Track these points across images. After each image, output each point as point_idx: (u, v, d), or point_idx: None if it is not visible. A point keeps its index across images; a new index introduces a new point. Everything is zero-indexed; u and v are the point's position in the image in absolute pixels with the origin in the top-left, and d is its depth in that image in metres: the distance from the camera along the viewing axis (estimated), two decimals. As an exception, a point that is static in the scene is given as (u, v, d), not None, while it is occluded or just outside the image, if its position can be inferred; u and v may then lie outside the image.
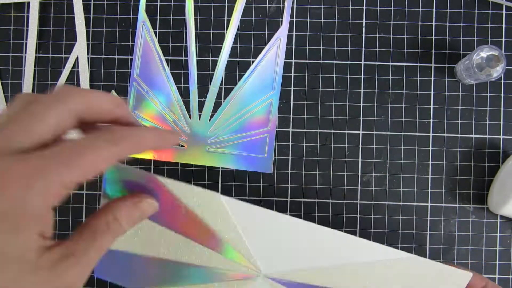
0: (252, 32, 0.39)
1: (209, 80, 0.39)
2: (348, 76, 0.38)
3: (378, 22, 0.39)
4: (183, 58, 0.39)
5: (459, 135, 0.38)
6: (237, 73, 0.39)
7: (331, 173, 0.38)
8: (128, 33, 0.39)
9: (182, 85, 0.39)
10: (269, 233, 0.30)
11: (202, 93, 0.39)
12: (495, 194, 0.36)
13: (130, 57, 0.39)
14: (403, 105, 0.38)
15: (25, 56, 0.39)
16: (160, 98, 0.39)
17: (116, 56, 0.39)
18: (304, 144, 0.39)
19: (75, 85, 0.39)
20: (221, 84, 0.39)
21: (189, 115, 0.39)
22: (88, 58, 0.39)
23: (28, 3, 0.39)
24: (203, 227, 0.31)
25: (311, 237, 0.30)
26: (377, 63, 0.38)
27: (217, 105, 0.38)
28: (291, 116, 0.39)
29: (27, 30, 0.39)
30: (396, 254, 0.28)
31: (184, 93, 0.39)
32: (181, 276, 0.32)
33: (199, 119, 0.38)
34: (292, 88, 0.39)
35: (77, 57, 0.39)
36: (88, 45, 0.39)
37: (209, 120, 0.38)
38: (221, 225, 0.30)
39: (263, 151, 0.38)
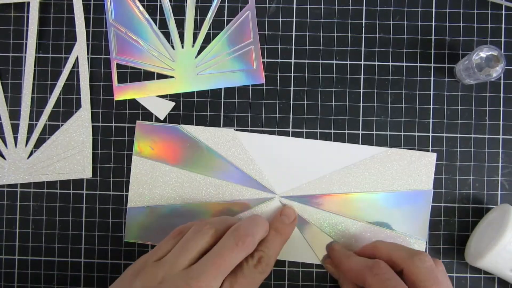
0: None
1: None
2: (348, 76, 0.39)
3: (377, 22, 0.39)
4: None
5: (458, 135, 0.38)
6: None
7: (331, 173, 0.38)
8: (128, 33, 0.39)
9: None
10: (277, 157, 0.38)
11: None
12: (473, 247, 0.36)
13: (130, 57, 0.39)
14: (403, 105, 0.38)
15: (25, 56, 0.39)
16: (140, 36, 0.39)
17: (116, 56, 0.39)
18: (304, 144, 0.39)
19: (74, 87, 0.39)
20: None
21: (172, 46, 0.39)
22: (88, 58, 0.39)
23: (28, 3, 0.39)
24: (224, 163, 0.38)
25: (310, 151, 0.38)
26: (376, 63, 0.39)
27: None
28: (291, 116, 0.39)
29: (27, 30, 0.39)
30: (377, 149, 0.38)
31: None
32: (206, 216, 0.38)
33: (182, 47, 0.39)
34: (292, 88, 0.39)
35: (77, 57, 0.39)
36: (88, 45, 0.39)
37: (192, 46, 0.38)
38: (239, 158, 0.38)
39: (252, 63, 0.38)
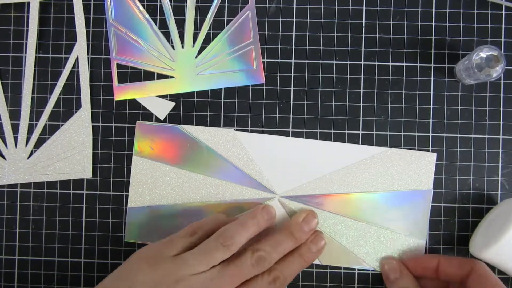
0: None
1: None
2: (348, 76, 0.39)
3: (377, 22, 0.39)
4: None
5: (458, 135, 0.38)
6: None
7: (331, 173, 0.38)
8: (128, 33, 0.39)
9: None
10: (277, 157, 0.38)
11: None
12: (478, 238, 0.36)
13: (130, 57, 0.39)
14: (403, 105, 0.38)
15: (25, 56, 0.39)
16: (140, 36, 0.39)
17: (116, 56, 0.39)
18: (304, 144, 0.39)
19: (74, 87, 0.39)
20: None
21: (172, 46, 0.39)
22: (88, 58, 0.39)
23: (28, 3, 0.39)
24: (224, 163, 0.38)
25: (310, 151, 0.38)
26: (376, 63, 0.39)
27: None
28: (291, 116, 0.39)
29: (27, 30, 0.39)
30: (377, 149, 0.38)
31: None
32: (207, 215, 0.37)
33: (182, 47, 0.39)
34: (292, 88, 0.39)
35: (77, 57, 0.39)
36: (88, 45, 0.39)
37: (192, 46, 0.38)
38: (238, 158, 0.38)
39: (252, 63, 0.38)
